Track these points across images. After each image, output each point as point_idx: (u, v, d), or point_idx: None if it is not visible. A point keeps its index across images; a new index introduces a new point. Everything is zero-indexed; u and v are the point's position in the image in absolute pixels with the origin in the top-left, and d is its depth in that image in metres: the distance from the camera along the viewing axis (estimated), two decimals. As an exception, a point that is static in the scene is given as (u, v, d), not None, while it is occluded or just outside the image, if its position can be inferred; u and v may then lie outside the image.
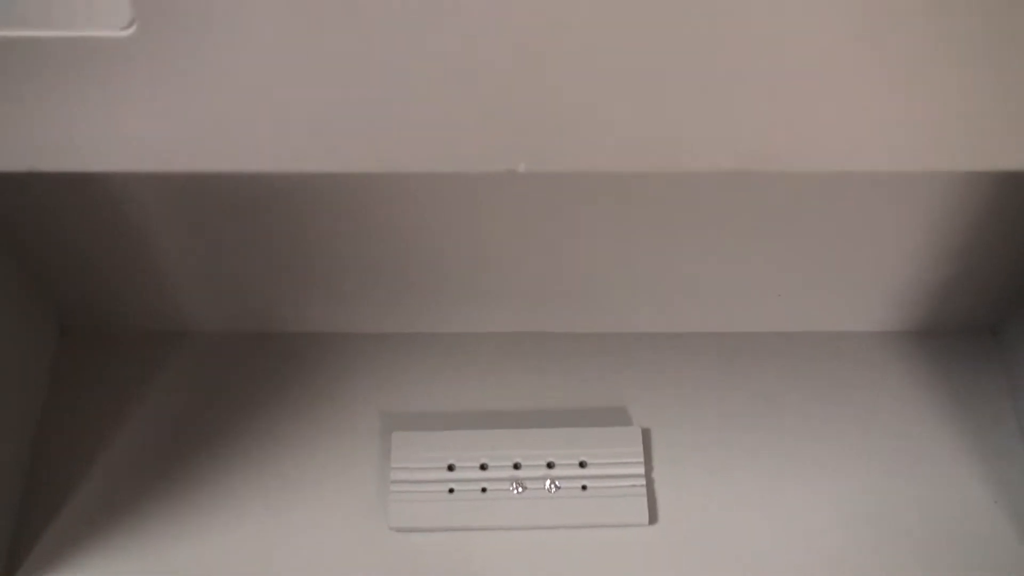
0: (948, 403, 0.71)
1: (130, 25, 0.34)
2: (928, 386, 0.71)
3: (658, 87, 0.35)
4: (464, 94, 0.34)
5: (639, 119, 0.36)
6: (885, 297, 0.70)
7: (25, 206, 0.62)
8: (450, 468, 0.67)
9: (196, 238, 0.65)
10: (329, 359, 0.72)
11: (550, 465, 0.67)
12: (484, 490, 0.66)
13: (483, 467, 0.67)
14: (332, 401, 0.70)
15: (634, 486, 0.66)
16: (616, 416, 0.70)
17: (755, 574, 0.65)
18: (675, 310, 0.72)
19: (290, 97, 0.36)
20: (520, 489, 0.66)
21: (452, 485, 0.66)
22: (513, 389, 0.71)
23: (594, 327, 0.73)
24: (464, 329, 0.73)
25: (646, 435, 0.69)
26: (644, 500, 0.66)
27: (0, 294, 0.65)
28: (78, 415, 0.69)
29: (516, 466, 0.67)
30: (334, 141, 0.37)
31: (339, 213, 0.63)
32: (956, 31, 0.32)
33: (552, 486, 0.66)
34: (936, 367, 0.72)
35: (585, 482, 0.66)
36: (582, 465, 0.67)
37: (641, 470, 0.67)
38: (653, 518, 0.66)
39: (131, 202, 0.62)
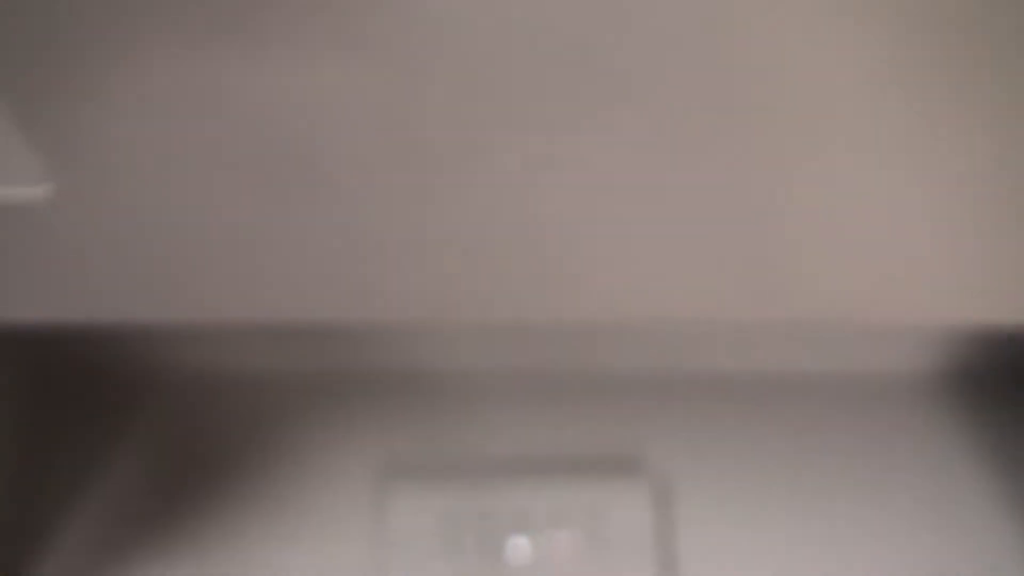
0: (1001, 455, 0.66)
1: (45, 184, 0.30)
2: (980, 435, 0.67)
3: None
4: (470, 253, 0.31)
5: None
6: (933, 332, 0.65)
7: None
8: (449, 520, 0.63)
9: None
10: (317, 400, 0.68)
11: (554, 518, 0.63)
12: (486, 546, 0.63)
13: (483, 518, 0.63)
14: (321, 446, 0.67)
15: (641, 545, 0.62)
16: (625, 465, 0.66)
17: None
18: (692, 347, 0.67)
19: (258, 249, 0.31)
20: (523, 543, 0.63)
21: (451, 537, 0.63)
22: (516, 433, 0.67)
23: (604, 365, 0.68)
24: (462, 367, 0.68)
25: (658, 486, 0.65)
26: (652, 558, 0.62)
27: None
28: (54, 466, 0.66)
29: (519, 518, 0.63)
30: (279, 291, 0.33)
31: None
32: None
33: (557, 542, 0.62)
34: (979, 412, 0.67)
35: (591, 537, 0.63)
36: (589, 519, 0.63)
37: (650, 527, 0.63)
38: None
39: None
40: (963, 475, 0.66)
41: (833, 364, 0.68)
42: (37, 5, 0.26)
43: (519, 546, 0.62)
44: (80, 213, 0.30)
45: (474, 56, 0.27)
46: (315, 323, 0.64)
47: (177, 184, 0.29)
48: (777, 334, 0.67)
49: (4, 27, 0.27)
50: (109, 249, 0.31)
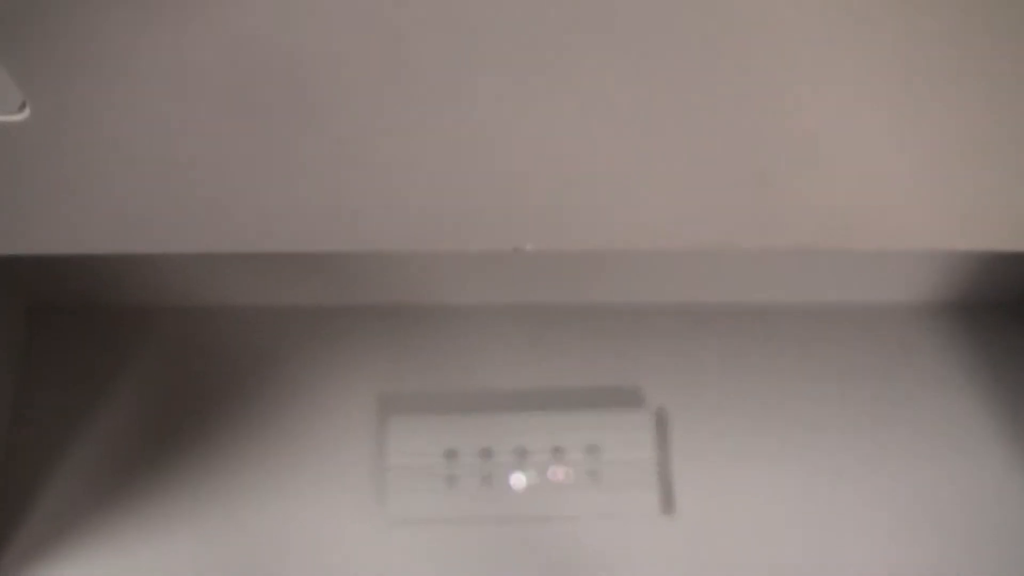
0: (990, 382, 0.65)
1: (23, 108, 0.28)
2: (969, 364, 0.66)
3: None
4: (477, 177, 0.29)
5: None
6: (923, 264, 0.64)
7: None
8: (450, 455, 0.62)
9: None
10: (320, 335, 0.67)
11: (557, 451, 0.62)
12: (487, 479, 0.62)
13: (485, 454, 0.62)
14: (324, 381, 0.66)
15: (645, 474, 0.62)
16: (627, 396, 0.65)
17: (778, 569, 0.61)
18: (692, 280, 0.66)
19: (226, 179, 0.30)
20: (525, 478, 0.62)
21: (452, 473, 0.62)
22: (517, 367, 0.66)
23: (604, 298, 0.67)
24: (465, 301, 0.67)
25: (661, 417, 0.64)
26: (655, 488, 0.61)
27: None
28: (52, 399, 0.65)
29: (521, 453, 0.62)
30: (264, 221, 0.31)
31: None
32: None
33: (559, 474, 0.62)
34: (978, 342, 0.66)
35: (594, 469, 0.62)
36: (591, 451, 0.62)
37: (653, 457, 0.62)
38: (668, 508, 0.62)
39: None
40: (959, 403, 0.65)
41: (830, 295, 0.67)
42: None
43: (519, 479, 0.62)
44: (58, 140, 0.28)
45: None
46: (303, 254, 0.63)
47: (158, 110, 0.28)
48: (774, 266, 0.65)
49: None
50: (87, 178, 0.29)
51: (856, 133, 0.28)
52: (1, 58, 0.27)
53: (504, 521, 0.62)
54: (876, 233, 0.32)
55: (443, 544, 0.62)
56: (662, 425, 0.64)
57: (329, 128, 0.28)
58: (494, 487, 0.62)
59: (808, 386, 0.65)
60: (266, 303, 0.67)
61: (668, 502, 0.62)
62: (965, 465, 0.63)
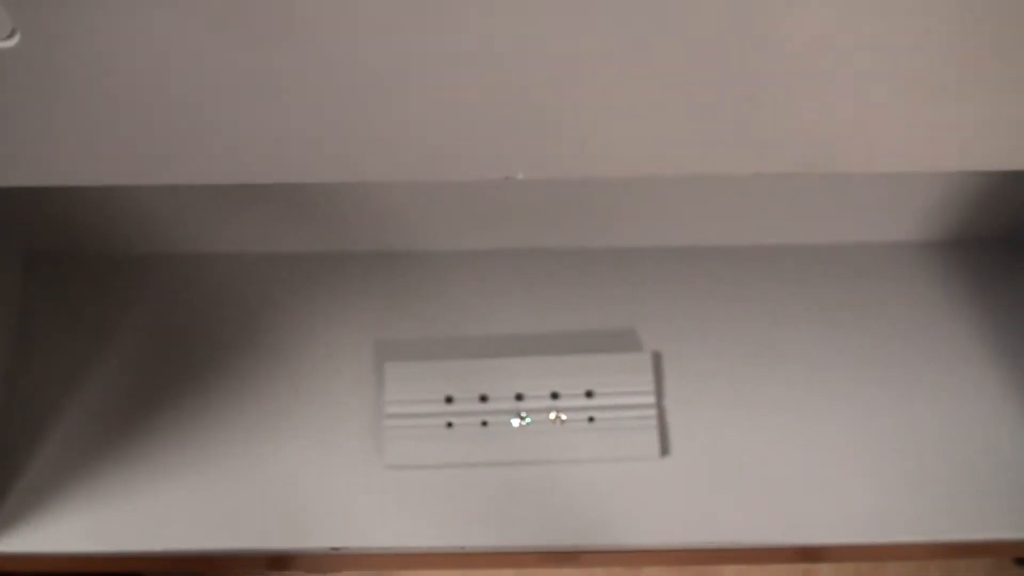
0: (981, 320, 0.65)
1: (12, 35, 0.28)
2: (960, 301, 0.66)
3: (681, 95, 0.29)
4: (464, 102, 0.29)
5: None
6: (913, 204, 0.64)
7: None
8: (448, 400, 0.63)
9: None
10: (317, 282, 0.67)
11: (555, 395, 0.63)
12: (484, 423, 0.62)
13: (483, 399, 0.63)
14: (321, 328, 0.66)
15: (644, 417, 0.62)
16: (625, 340, 0.65)
17: (773, 509, 0.61)
18: (688, 222, 0.66)
19: (222, 109, 0.29)
20: (523, 422, 0.62)
21: (450, 419, 0.62)
22: (514, 312, 0.66)
23: (601, 241, 0.67)
24: (460, 247, 0.67)
25: (657, 360, 0.64)
26: (655, 432, 0.62)
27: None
28: (49, 346, 0.65)
29: (518, 397, 0.63)
30: (281, 152, 0.31)
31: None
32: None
33: (557, 418, 0.62)
34: (969, 280, 0.66)
35: (592, 413, 0.62)
36: (589, 395, 0.62)
37: (652, 399, 0.62)
38: (664, 450, 0.62)
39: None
40: (954, 341, 0.65)
41: (824, 236, 0.67)
42: None
43: (519, 422, 0.62)
44: (48, 67, 0.28)
45: None
46: (299, 199, 0.62)
47: (148, 32, 0.27)
48: (770, 208, 0.65)
49: None
50: (79, 106, 0.29)
51: (848, 53, 0.28)
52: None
53: (502, 466, 0.62)
54: (869, 156, 0.31)
55: (441, 490, 0.62)
56: (658, 368, 0.64)
57: (319, 51, 0.28)
58: (492, 432, 0.62)
59: (804, 326, 0.65)
60: (262, 250, 0.67)
61: (664, 444, 0.63)
62: (961, 402, 0.63)
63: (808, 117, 0.30)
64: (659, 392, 0.63)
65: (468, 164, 0.31)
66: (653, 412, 0.62)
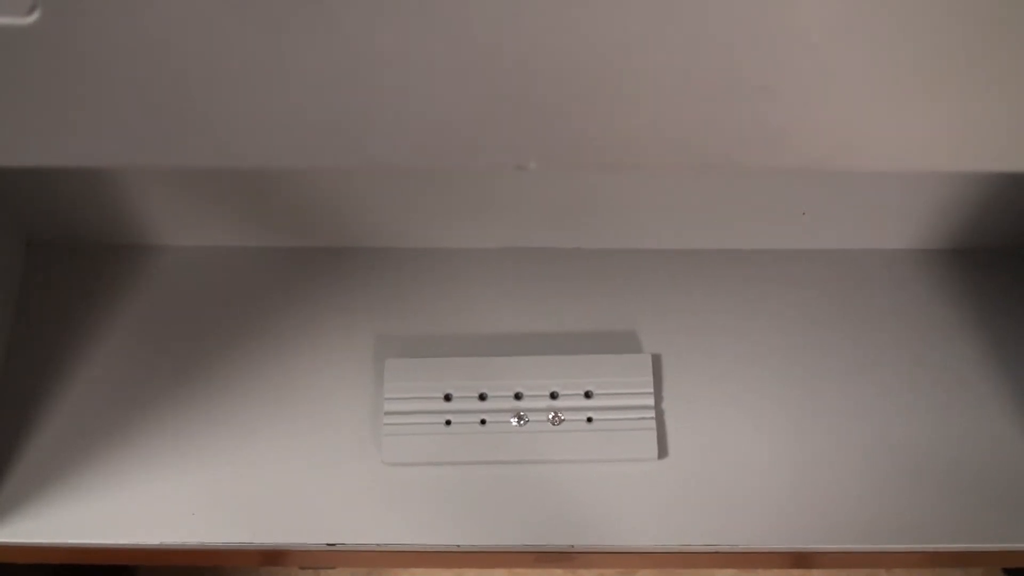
0: (984, 328, 0.66)
1: (32, 11, 0.28)
2: (963, 309, 0.66)
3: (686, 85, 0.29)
4: (476, 89, 0.29)
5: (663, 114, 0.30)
6: (916, 211, 0.65)
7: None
8: (447, 398, 0.63)
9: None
10: (318, 276, 0.67)
11: (553, 395, 0.63)
12: (483, 422, 0.62)
13: (482, 397, 0.63)
14: (321, 323, 0.66)
15: (643, 418, 0.62)
16: (625, 341, 0.65)
17: (771, 514, 0.61)
18: (690, 225, 0.66)
19: (239, 90, 0.30)
20: (521, 421, 0.62)
21: (449, 416, 0.62)
22: (515, 311, 0.66)
23: (601, 242, 0.67)
24: (462, 244, 0.67)
25: (656, 362, 0.64)
26: (654, 433, 0.62)
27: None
28: (49, 336, 0.65)
29: (517, 396, 0.63)
30: (292, 136, 0.31)
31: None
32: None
33: (556, 418, 0.62)
34: (969, 288, 0.67)
35: (591, 414, 0.62)
36: (588, 395, 0.62)
37: (651, 401, 0.62)
38: (663, 452, 0.63)
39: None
40: (953, 348, 0.65)
41: (826, 242, 0.67)
42: None
43: (517, 421, 0.62)
44: (69, 45, 0.28)
45: None
46: (302, 191, 0.62)
47: (170, 14, 0.27)
48: (772, 212, 0.66)
49: None
50: (99, 86, 0.29)
51: (863, 47, 0.29)
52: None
53: (500, 465, 0.62)
54: (881, 153, 0.32)
55: (438, 487, 0.62)
56: (658, 370, 0.64)
57: (332, 35, 0.28)
58: (490, 431, 0.62)
59: (805, 331, 0.66)
60: (264, 243, 0.67)
61: (663, 446, 0.63)
62: (957, 412, 0.64)
63: (821, 110, 0.30)
64: (658, 394, 0.64)
65: (480, 151, 0.32)
66: (652, 414, 0.62)
